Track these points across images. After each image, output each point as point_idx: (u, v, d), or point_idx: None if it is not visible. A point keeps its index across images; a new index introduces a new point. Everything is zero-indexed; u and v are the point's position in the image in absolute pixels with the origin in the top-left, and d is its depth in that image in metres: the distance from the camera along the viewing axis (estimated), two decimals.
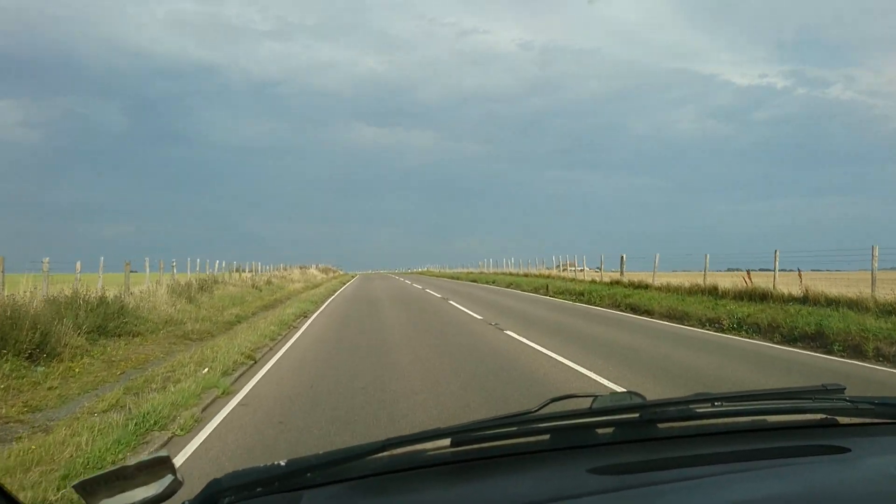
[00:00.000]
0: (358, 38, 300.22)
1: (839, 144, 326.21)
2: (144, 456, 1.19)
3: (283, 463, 1.31)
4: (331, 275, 69.15)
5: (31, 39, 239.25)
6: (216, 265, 34.01)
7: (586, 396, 1.55)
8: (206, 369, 8.87)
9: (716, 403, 1.62)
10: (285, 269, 54.45)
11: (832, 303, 13.93)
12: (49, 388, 8.06)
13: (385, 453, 1.37)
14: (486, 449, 1.48)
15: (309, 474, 1.33)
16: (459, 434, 1.44)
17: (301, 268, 62.35)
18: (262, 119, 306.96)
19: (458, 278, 60.18)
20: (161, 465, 1.18)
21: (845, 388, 1.68)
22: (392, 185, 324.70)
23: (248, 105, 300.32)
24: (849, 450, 1.50)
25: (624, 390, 2.05)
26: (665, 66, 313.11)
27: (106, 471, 1.16)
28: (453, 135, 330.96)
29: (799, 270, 17.88)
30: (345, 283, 49.81)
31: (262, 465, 1.31)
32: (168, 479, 1.17)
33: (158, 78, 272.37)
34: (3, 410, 7.00)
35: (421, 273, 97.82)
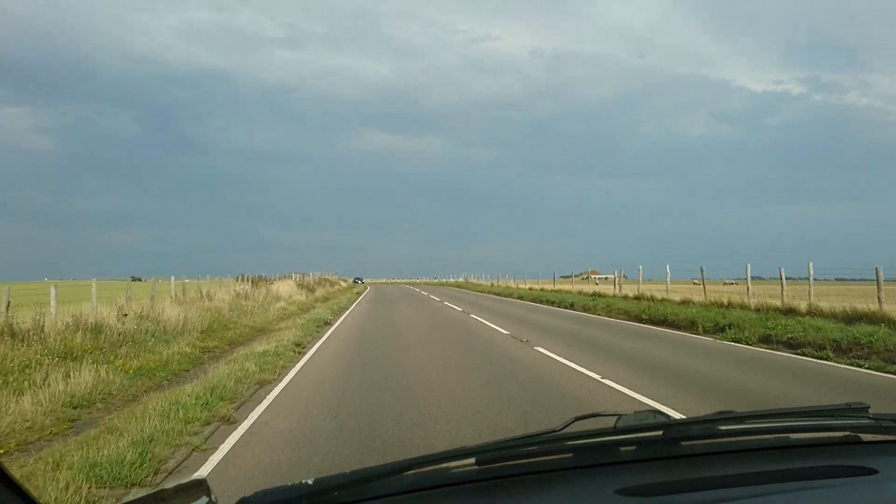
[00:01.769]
0: (369, 46, 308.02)
1: (855, 150, 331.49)
2: (183, 480, 1.20)
3: (310, 482, 1.31)
4: (319, 293, 39.32)
5: (45, 47, 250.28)
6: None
7: (610, 415, 1.53)
8: None
9: (739, 422, 1.64)
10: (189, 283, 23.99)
11: None
12: None
13: (411, 472, 1.37)
14: (511, 467, 1.47)
15: (336, 493, 1.33)
16: (484, 453, 1.44)
17: (257, 283, 31.87)
18: (273, 126, 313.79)
19: (552, 302, 30.03)
20: (197, 488, 1.21)
21: (869, 407, 1.65)
22: (403, 192, 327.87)
23: (259, 112, 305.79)
24: (876, 471, 1.47)
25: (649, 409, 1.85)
26: (676, 72, 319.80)
27: (144, 494, 1.20)
28: (464, 141, 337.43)
29: None
30: (332, 325, 19.79)
31: (289, 483, 1.32)
32: (203, 500, 1.20)
33: (171, 85, 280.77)
34: None
35: (459, 286, 68.02)
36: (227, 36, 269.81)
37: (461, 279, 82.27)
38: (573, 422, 1.55)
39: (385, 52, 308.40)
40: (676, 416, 6.26)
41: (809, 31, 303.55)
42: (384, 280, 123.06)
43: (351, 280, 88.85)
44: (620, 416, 1.54)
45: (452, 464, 1.43)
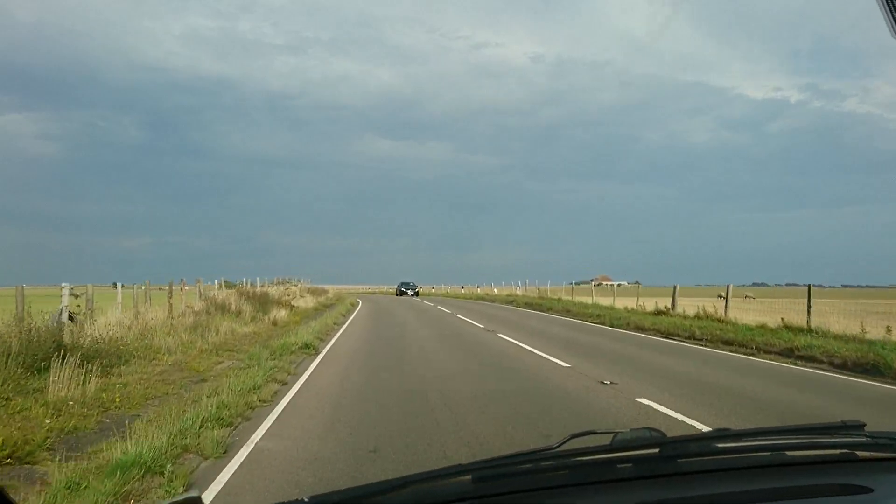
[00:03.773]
0: (372, 52, 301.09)
1: (856, 156, 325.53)
2: (177, 497, 1.22)
3: (306, 499, 1.30)
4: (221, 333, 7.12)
5: (50, 53, 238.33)
6: None
7: (606, 433, 1.52)
8: None
9: (735, 439, 1.63)
10: None
11: None
12: None
13: (407, 489, 1.35)
14: (507, 484, 1.45)
15: None
16: (480, 470, 1.42)
17: None
18: (277, 132, 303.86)
19: None
20: None
21: (865, 425, 1.63)
22: (405, 198, 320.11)
23: (263, 118, 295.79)
24: (871, 489, 1.45)
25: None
26: (678, 79, 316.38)
27: None
28: (467, 147, 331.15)
29: None
30: None
31: (285, 500, 1.34)
32: None
33: (175, 92, 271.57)
34: None
35: (542, 304, 35.33)
36: (231, 43, 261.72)
37: (517, 289, 48.53)
38: (570, 439, 1.53)
39: (387, 58, 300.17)
40: None
41: (810, 36, 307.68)
42: (388, 289, 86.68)
43: (331, 291, 52.55)
44: (617, 433, 1.50)
45: (449, 481, 1.41)
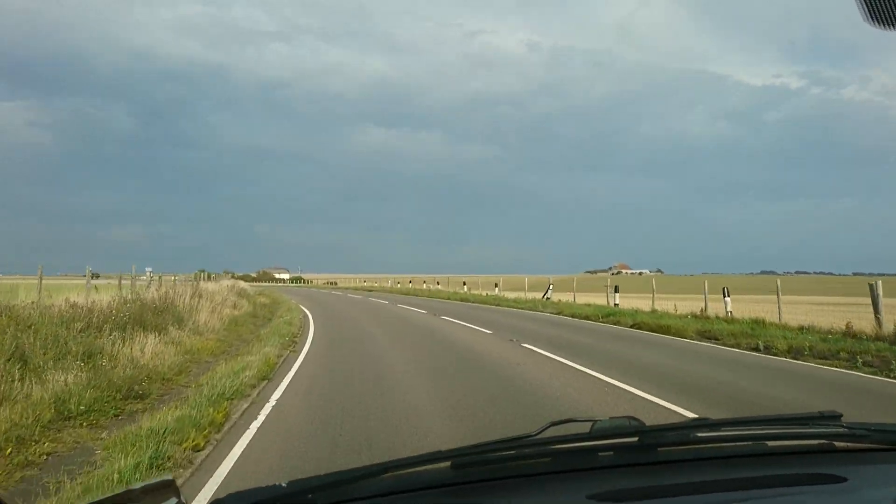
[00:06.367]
0: (365, 41, 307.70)
1: (854, 145, 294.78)
2: (151, 480, 1.18)
3: (284, 484, 1.30)
4: None
5: (40, 41, 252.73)
6: None
7: (586, 421, 1.53)
8: None
9: (714, 429, 1.64)
10: None
11: None
12: None
13: (386, 475, 1.37)
14: (485, 471, 1.48)
15: (310, 495, 1.31)
16: (460, 457, 1.43)
17: None
18: (269, 122, 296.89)
19: None
20: (166, 488, 1.19)
21: (842, 415, 1.67)
22: (398, 189, 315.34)
23: (255, 108, 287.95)
24: (845, 479, 1.50)
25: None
26: (676, 67, 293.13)
27: (111, 494, 1.16)
28: (461, 137, 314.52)
29: None
30: None
31: (264, 485, 1.29)
32: (172, 501, 1.18)
33: (167, 81, 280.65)
34: None
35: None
36: (223, 31, 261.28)
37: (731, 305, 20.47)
38: (549, 427, 1.54)
39: (381, 47, 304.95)
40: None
41: (809, 26, 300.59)
42: (390, 280, 71.31)
43: (250, 301, 26.96)
44: (596, 421, 1.52)
45: (428, 467, 1.42)
